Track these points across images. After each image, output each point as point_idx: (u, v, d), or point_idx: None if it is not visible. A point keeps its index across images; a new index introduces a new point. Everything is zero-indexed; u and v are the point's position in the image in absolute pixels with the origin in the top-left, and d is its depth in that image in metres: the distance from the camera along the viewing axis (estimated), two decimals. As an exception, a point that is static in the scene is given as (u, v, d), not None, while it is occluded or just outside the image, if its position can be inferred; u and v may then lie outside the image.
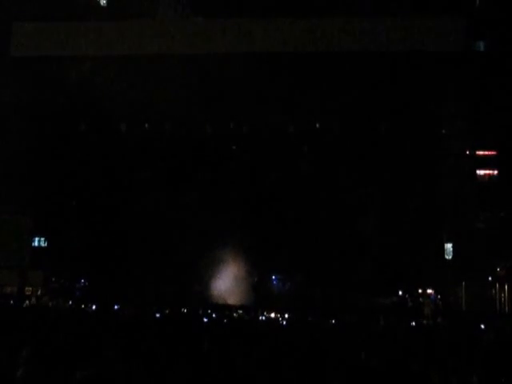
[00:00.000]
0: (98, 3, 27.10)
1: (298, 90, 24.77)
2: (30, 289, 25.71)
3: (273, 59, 24.10)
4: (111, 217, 27.42)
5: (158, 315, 16.32)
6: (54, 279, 26.97)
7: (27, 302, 23.37)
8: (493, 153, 26.00)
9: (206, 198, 27.18)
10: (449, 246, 25.75)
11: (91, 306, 19.06)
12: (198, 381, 6.77)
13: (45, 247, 28.28)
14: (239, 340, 10.31)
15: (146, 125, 27.23)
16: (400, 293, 25.90)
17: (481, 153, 25.97)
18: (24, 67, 25.04)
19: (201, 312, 20.06)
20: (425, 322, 19.63)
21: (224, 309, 21.93)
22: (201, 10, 25.43)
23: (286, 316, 19.69)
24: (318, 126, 25.90)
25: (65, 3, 25.36)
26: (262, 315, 20.08)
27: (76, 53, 24.62)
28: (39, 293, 25.46)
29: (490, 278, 24.66)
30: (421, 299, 25.09)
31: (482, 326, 16.62)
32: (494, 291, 24.48)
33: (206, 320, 15.45)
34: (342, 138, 26.11)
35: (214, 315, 18.81)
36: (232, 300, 25.74)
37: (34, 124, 25.78)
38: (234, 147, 28.61)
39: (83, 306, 20.90)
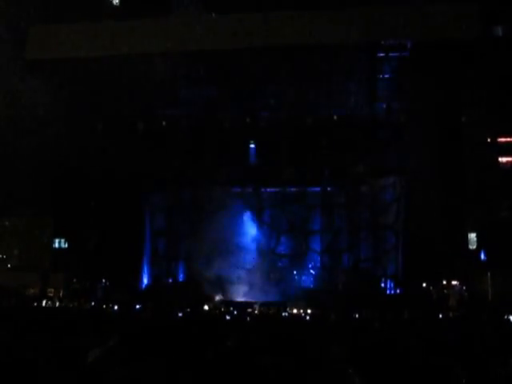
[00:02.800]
0: (111, 2, 27.01)
1: (315, 82, 24.59)
2: (52, 290, 25.87)
3: (288, 53, 23.85)
4: (131, 216, 27.49)
5: (180, 314, 16.25)
6: (75, 280, 27.10)
7: (50, 303, 23.50)
8: (515, 139, 25.52)
9: (224, 192, 27.14)
10: (472, 236, 25.33)
11: (113, 307, 19.05)
12: (221, 380, 6.60)
13: (65, 248, 28.44)
14: (262, 337, 10.10)
15: (164, 122, 27.23)
16: (424, 284, 25.56)
17: (503, 140, 25.49)
18: (40, 69, 25.08)
19: (223, 309, 19.98)
20: (451, 314, 19.29)
21: (246, 306, 21.81)
22: (213, 7, 25.28)
23: (309, 311, 19.49)
24: (335, 118, 25.69)
25: (77, 4, 25.35)
26: (285, 311, 19.91)
27: (90, 53, 24.58)
28: (61, 294, 25.61)
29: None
30: (445, 291, 24.71)
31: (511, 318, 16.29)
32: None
33: (228, 318, 15.33)
34: (363, 127, 25.91)
35: (235, 312, 18.70)
36: (253, 296, 25.63)
37: (52, 125, 25.85)
38: (251, 142, 28.53)
39: (104, 307, 20.92)
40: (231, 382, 6.37)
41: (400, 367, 7.01)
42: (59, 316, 15.39)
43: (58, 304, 23.18)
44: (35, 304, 21.75)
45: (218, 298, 25.46)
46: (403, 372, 6.83)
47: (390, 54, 24.11)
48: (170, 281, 29.89)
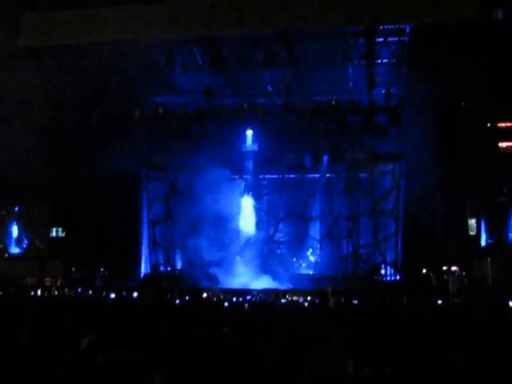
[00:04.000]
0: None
1: (313, 68, 24.39)
2: (50, 279, 25.78)
3: (286, 38, 23.56)
4: (128, 204, 27.37)
5: (177, 301, 16.16)
6: (73, 269, 27.03)
7: (48, 292, 23.37)
8: (515, 124, 25.32)
9: (222, 179, 27.01)
10: (472, 222, 25.24)
11: (110, 295, 18.96)
12: (218, 367, 6.41)
13: (63, 237, 28.35)
14: (260, 324, 9.95)
15: (160, 110, 26.98)
16: (424, 271, 25.49)
17: (502, 125, 25.30)
18: (35, 58, 24.81)
19: (221, 297, 19.88)
20: (451, 300, 19.17)
21: (244, 293, 21.71)
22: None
23: (309, 298, 19.39)
24: (334, 103, 25.44)
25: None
26: (284, 298, 19.81)
27: (84, 41, 24.28)
28: (59, 283, 25.50)
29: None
30: (445, 277, 24.62)
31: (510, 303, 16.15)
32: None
33: (226, 304, 15.23)
34: (362, 113, 25.77)
35: (234, 299, 18.60)
36: (252, 283, 25.54)
37: (49, 114, 25.66)
38: (249, 129, 28.35)
39: (104, 295, 20.80)
40: (225, 370, 6.20)
41: (396, 354, 6.86)
42: (55, 304, 15.29)
43: (56, 293, 23.06)
44: (32, 293, 21.63)
45: (216, 285, 25.37)
46: (399, 358, 6.67)
47: (389, 39, 23.82)
48: (169, 269, 29.86)
